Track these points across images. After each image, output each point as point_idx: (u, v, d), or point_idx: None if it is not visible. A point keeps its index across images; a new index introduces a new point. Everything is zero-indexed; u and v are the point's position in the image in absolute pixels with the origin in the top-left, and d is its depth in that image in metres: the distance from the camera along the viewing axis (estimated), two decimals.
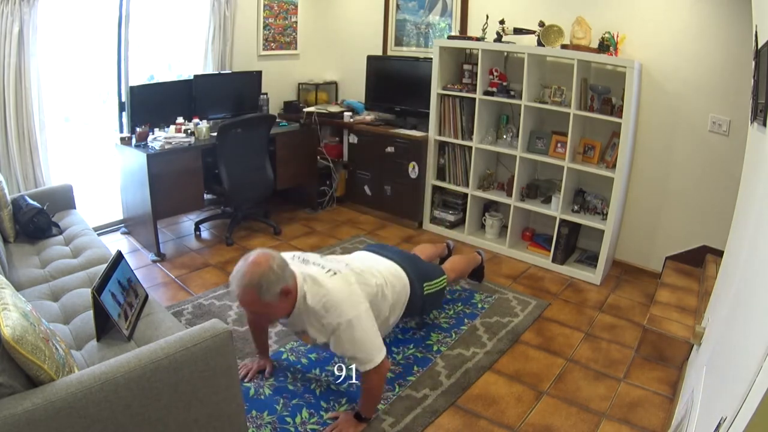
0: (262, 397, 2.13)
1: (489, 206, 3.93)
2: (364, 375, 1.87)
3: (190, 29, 4.00)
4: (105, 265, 1.87)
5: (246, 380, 2.19)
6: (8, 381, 1.19)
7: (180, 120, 3.51)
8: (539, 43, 3.26)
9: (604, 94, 3.16)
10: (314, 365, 2.36)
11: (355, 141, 4.28)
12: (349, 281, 1.92)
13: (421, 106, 3.93)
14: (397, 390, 2.20)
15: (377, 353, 1.84)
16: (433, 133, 3.85)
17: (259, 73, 4.12)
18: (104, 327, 1.76)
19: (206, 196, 3.78)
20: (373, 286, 2.05)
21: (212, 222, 3.98)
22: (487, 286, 3.16)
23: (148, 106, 3.47)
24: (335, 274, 1.92)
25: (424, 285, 2.37)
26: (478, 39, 3.57)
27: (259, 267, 1.68)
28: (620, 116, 3.01)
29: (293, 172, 4.06)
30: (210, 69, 3.99)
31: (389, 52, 4.39)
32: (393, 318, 2.21)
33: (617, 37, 3.04)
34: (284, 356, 2.42)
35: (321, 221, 4.13)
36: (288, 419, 2.02)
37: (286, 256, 1.92)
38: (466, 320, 2.75)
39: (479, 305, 2.91)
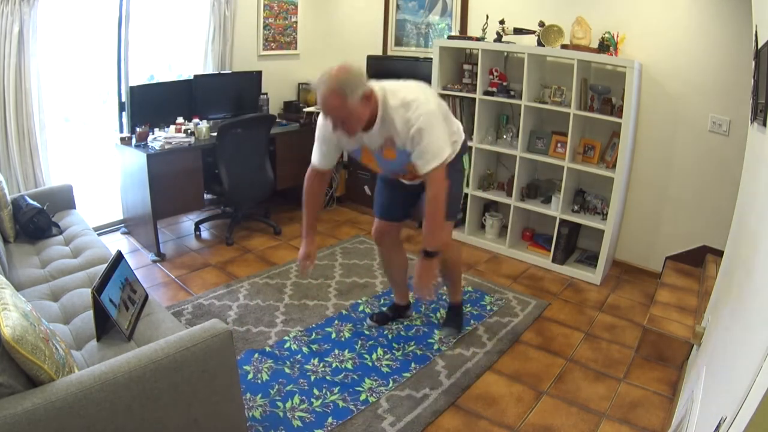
0: (259, 381, 2.20)
1: (489, 206, 3.93)
2: (430, 175, 1.92)
3: (190, 29, 4.00)
4: (105, 265, 1.87)
5: (303, 273, 2.33)
6: (8, 381, 1.19)
7: (180, 120, 3.51)
8: (539, 43, 3.26)
9: (604, 94, 3.16)
10: (314, 355, 2.41)
11: None
12: (422, 87, 2.00)
13: None
14: (390, 385, 2.22)
15: (445, 150, 1.92)
16: None
17: (259, 73, 4.12)
18: (104, 327, 1.76)
19: (206, 196, 3.79)
20: (443, 105, 2.10)
21: (212, 222, 3.98)
22: (488, 287, 3.16)
23: (148, 106, 3.47)
24: (407, 82, 1.99)
25: (462, 157, 2.30)
26: (478, 39, 3.57)
27: (342, 72, 1.78)
28: (620, 116, 3.01)
29: (293, 172, 4.05)
30: (210, 69, 3.99)
31: (389, 52, 4.39)
32: (451, 146, 2.13)
33: (617, 37, 3.04)
34: (287, 345, 2.47)
35: (321, 221, 4.13)
36: (279, 403, 2.08)
37: None
38: (472, 321, 2.75)
39: (488, 307, 2.91)
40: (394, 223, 2.48)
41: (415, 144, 1.89)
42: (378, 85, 1.92)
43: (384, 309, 2.77)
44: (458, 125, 2.26)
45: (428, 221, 2.00)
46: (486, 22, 3.55)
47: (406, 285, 2.69)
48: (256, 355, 2.37)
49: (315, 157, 2.20)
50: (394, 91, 1.92)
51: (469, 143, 3.65)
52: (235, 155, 3.47)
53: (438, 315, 2.80)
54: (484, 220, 3.86)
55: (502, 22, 3.43)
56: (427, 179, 1.96)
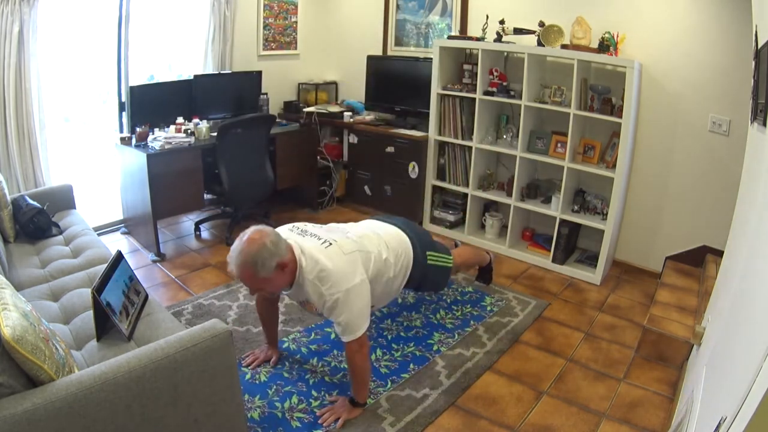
0: (257, 382, 2.21)
1: (489, 206, 3.93)
2: (347, 348, 1.94)
3: (190, 29, 4.00)
4: (105, 265, 1.87)
5: (250, 367, 2.28)
6: (8, 381, 1.19)
7: (180, 120, 3.51)
8: (539, 43, 3.26)
9: (604, 94, 3.16)
10: (312, 355, 2.41)
11: (355, 141, 4.28)
12: (344, 251, 1.95)
13: (421, 106, 3.93)
14: (389, 385, 2.22)
15: (359, 328, 1.90)
16: (433, 133, 3.85)
17: (259, 73, 4.12)
18: (104, 327, 1.76)
19: (206, 196, 3.78)
20: (373, 251, 2.09)
21: (212, 222, 3.98)
22: (489, 287, 3.16)
23: (148, 106, 3.47)
24: (330, 244, 1.96)
25: (428, 254, 2.39)
26: (478, 39, 3.57)
27: (253, 244, 1.79)
28: (620, 116, 3.01)
29: (293, 172, 4.06)
30: (210, 69, 3.99)
31: (389, 52, 4.39)
32: (397, 283, 2.25)
33: (617, 37, 3.04)
34: (285, 345, 2.48)
35: (321, 221, 4.09)
36: (277, 404, 2.08)
37: (284, 228, 2.06)
38: (472, 322, 2.75)
39: (488, 308, 2.90)
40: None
41: (331, 315, 1.91)
42: (299, 247, 1.91)
43: None
44: (405, 255, 2.26)
45: (354, 381, 2.02)
46: (486, 22, 3.55)
47: None
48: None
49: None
50: (314, 258, 1.88)
51: (470, 143, 3.65)
52: (235, 155, 3.47)
53: (438, 316, 2.80)
54: (484, 220, 3.86)
55: (502, 22, 3.43)
56: (347, 350, 1.96)
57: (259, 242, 1.79)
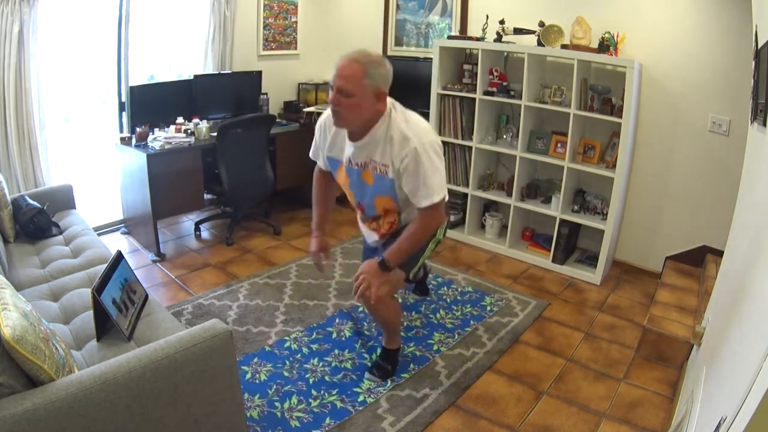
0: (257, 381, 2.21)
1: (489, 206, 3.93)
2: (420, 213, 1.82)
3: (190, 29, 4.00)
4: (105, 265, 1.87)
5: (322, 267, 2.26)
6: (8, 381, 1.19)
7: (180, 120, 3.51)
8: (539, 43, 3.26)
9: (604, 94, 3.16)
10: (313, 355, 2.41)
11: None
12: (433, 131, 1.90)
13: (421, 106, 3.92)
14: (388, 385, 2.22)
15: (439, 191, 1.77)
16: None
17: (259, 73, 4.12)
18: (104, 327, 1.76)
19: (206, 196, 3.78)
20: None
21: (212, 222, 3.98)
22: (488, 287, 3.16)
23: (148, 106, 3.47)
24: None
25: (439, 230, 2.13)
26: (478, 39, 3.57)
27: (377, 57, 1.74)
28: (620, 116, 3.01)
29: (293, 172, 4.06)
30: (210, 69, 3.99)
31: (389, 52, 4.39)
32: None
33: (617, 37, 3.04)
34: (287, 344, 2.48)
35: None
36: (277, 404, 2.08)
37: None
38: (472, 322, 2.75)
39: (488, 308, 2.90)
40: None
41: (408, 174, 1.75)
42: (392, 102, 1.83)
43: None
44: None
45: (399, 241, 1.86)
46: (486, 22, 3.55)
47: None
48: (255, 359, 2.36)
49: (317, 159, 2.21)
50: (406, 114, 1.84)
51: (470, 143, 3.65)
52: (235, 155, 3.47)
53: (438, 316, 2.80)
54: (484, 220, 3.86)
55: (502, 22, 3.43)
56: (415, 216, 1.84)
57: (383, 62, 1.75)
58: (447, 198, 1.90)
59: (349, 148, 1.91)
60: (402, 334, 2.61)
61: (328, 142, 2.01)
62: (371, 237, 2.19)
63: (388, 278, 1.92)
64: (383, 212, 2.04)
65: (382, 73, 1.73)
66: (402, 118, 1.80)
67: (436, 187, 1.76)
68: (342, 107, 1.75)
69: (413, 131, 1.76)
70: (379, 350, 2.34)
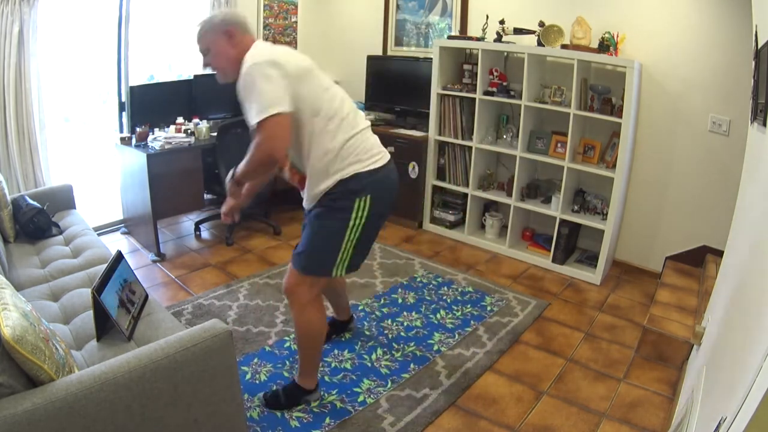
0: (257, 381, 2.21)
1: (489, 206, 3.93)
2: (255, 136, 1.68)
3: (190, 29, 3.99)
4: (105, 265, 1.87)
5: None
6: (8, 381, 1.19)
7: (180, 120, 3.51)
8: (539, 43, 3.26)
9: (604, 94, 3.16)
10: None
11: None
12: (286, 50, 1.83)
13: (421, 106, 3.94)
14: (389, 385, 2.22)
15: (259, 112, 1.62)
16: (433, 133, 3.85)
17: None
18: (104, 327, 1.76)
19: (206, 196, 3.78)
20: (326, 90, 1.85)
21: (212, 222, 3.98)
22: (488, 287, 3.16)
23: (148, 106, 3.47)
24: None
25: (365, 198, 1.78)
26: (478, 39, 3.57)
27: (218, 12, 1.71)
28: (620, 116, 3.01)
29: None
30: (210, 69, 3.98)
31: (389, 52, 4.39)
32: (324, 152, 1.77)
33: (617, 37, 3.04)
34: (287, 344, 2.47)
35: None
36: None
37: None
38: (472, 322, 2.75)
39: (488, 308, 2.90)
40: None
41: (244, 99, 1.69)
42: (258, 41, 1.82)
43: None
44: (364, 144, 1.79)
45: (242, 165, 1.83)
46: (486, 22, 3.55)
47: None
48: (256, 360, 2.36)
49: None
50: (259, 45, 1.80)
51: (470, 143, 3.65)
52: (235, 155, 3.45)
53: (438, 316, 2.80)
54: (484, 220, 3.86)
55: (502, 22, 3.43)
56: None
57: (220, 11, 1.76)
58: (366, 158, 1.76)
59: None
60: (402, 333, 2.61)
61: None
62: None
63: (236, 196, 1.89)
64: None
65: (219, 18, 1.81)
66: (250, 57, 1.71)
67: (255, 107, 1.64)
68: (211, 65, 1.86)
69: (249, 58, 1.70)
70: (289, 383, 2.07)
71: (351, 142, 1.78)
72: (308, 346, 1.96)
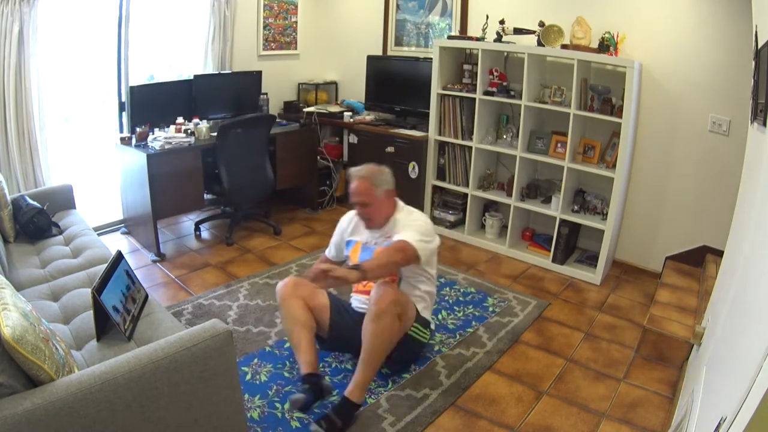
0: (257, 382, 2.21)
1: (489, 206, 3.93)
2: (393, 245, 2.06)
3: (190, 29, 4.00)
4: (105, 265, 1.87)
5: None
6: (8, 381, 1.19)
7: (180, 120, 3.51)
8: (539, 43, 3.26)
9: (604, 94, 3.16)
10: None
11: (355, 141, 4.28)
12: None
13: (421, 106, 3.93)
14: (389, 386, 2.22)
15: (411, 238, 2.05)
16: (433, 133, 3.85)
17: (259, 73, 4.12)
18: (104, 327, 1.76)
19: (206, 196, 3.78)
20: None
21: (212, 222, 3.98)
22: (488, 287, 3.16)
23: (148, 106, 3.47)
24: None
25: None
26: (478, 39, 3.57)
27: (377, 167, 2.24)
28: (620, 116, 3.01)
29: (293, 172, 4.06)
30: (210, 69, 3.99)
31: (389, 52, 4.39)
32: (420, 297, 2.31)
33: (617, 37, 3.04)
34: (287, 345, 2.46)
35: (321, 221, 4.13)
36: (277, 405, 2.08)
37: None
38: (473, 323, 2.75)
39: (490, 309, 2.90)
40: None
41: (402, 230, 2.13)
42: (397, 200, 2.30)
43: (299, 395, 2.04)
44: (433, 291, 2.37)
45: (374, 257, 2.12)
46: (486, 22, 3.55)
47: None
48: (256, 360, 2.36)
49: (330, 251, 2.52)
50: (408, 208, 2.31)
51: (470, 143, 3.65)
52: (235, 155, 3.47)
53: (440, 316, 2.79)
54: (484, 220, 3.86)
55: (502, 22, 3.43)
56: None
57: (382, 169, 2.24)
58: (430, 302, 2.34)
59: (367, 234, 2.31)
60: None
61: (350, 230, 2.40)
62: (357, 299, 2.34)
63: (354, 274, 1.98)
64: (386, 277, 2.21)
65: (385, 179, 2.21)
66: (406, 209, 2.31)
67: (410, 235, 2.06)
68: (368, 215, 2.23)
69: (413, 215, 2.27)
70: (338, 400, 1.99)
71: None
72: (380, 360, 2.02)
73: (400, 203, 2.31)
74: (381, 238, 2.26)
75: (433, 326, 2.46)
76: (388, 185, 2.21)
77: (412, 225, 2.15)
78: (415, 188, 3.99)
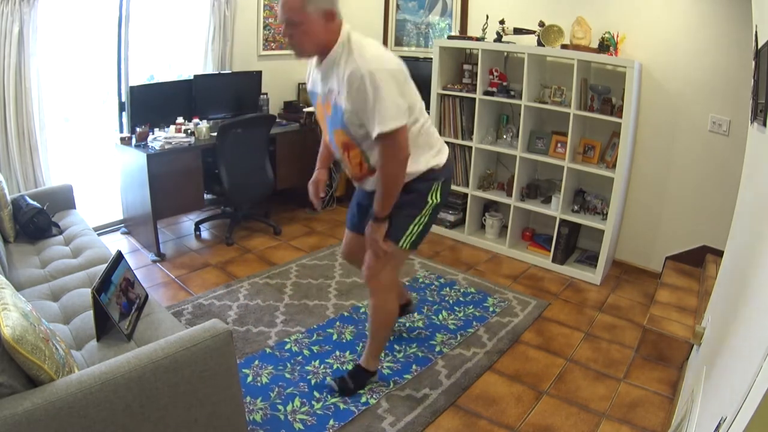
0: (259, 384, 2.19)
1: (489, 206, 3.93)
2: (381, 149, 1.71)
3: (190, 29, 4.00)
4: (105, 265, 1.87)
5: (315, 204, 2.20)
6: (8, 381, 1.19)
7: (180, 120, 3.51)
8: (539, 43, 3.26)
9: (604, 94, 3.16)
10: (315, 357, 2.41)
11: None
12: (395, 58, 1.78)
13: None
14: (391, 386, 2.22)
15: (392, 119, 1.65)
16: None
17: (259, 73, 4.12)
18: (104, 327, 1.76)
19: (206, 196, 3.78)
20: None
21: (212, 222, 3.98)
22: (488, 287, 3.16)
23: (148, 106, 3.47)
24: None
25: (440, 186, 1.98)
26: (478, 39, 3.57)
27: None
28: (620, 116, 3.01)
29: (293, 172, 4.06)
30: (210, 69, 3.99)
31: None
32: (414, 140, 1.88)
33: (617, 37, 3.04)
34: (287, 346, 2.47)
35: (321, 221, 4.13)
36: (279, 407, 2.07)
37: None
38: (474, 323, 2.75)
39: (491, 309, 2.90)
40: (360, 235, 2.14)
41: (360, 101, 1.65)
42: (350, 29, 1.76)
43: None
44: (440, 143, 1.99)
45: (378, 195, 1.80)
46: (486, 22, 3.55)
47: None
48: (256, 362, 2.36)
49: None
50: (364, 41, 1.73)
51: (470, 143, 3.65)
52: (235, 155, 3.47)
53: (440, 317, 2.80)
54: (484, 220, 3.86)
55: (502, 22, 3.43)
56: (378, 151, 1.72)
57: None
58: (442, 154, 1.96)
59: (317, 78, 1.85)
60: (404, 334, 2.61)
61: (308, 75, 1.96)
62: (353, 175, 2.03)
63: (383, 232, 1.85)
64: (343, 148, 1.89)
65: None
66: (358, 46, 1.71)
67: (387, 114, 1.64)
68: (294, 38, 1.72)
69: (365, 57, 1.67)
70: (352, 365, 2.21)
71: (433, 137, 1.97)
72: (385, 329, 2.12)
73: (348, 33, 1.76)
74: (326, 85, 1.79)
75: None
76: (329, 3, 1.68)
77: (372, 91, 1.63)
78: None
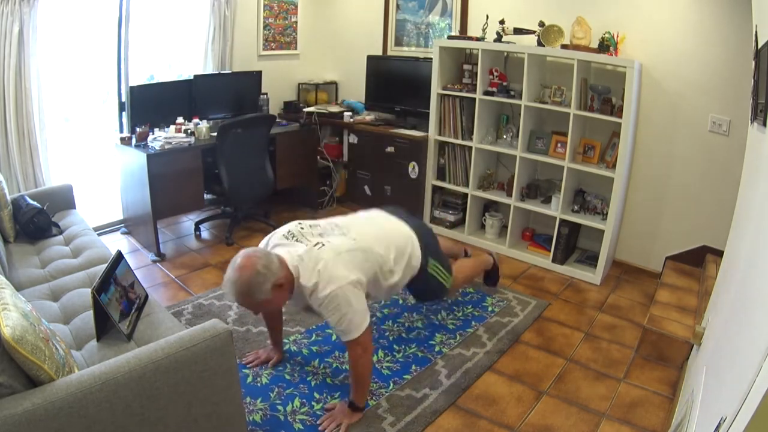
0: (259, 384, 2.19)
1: (489, 206, 3.93)
2: (349, 351, 1.95)
3: (190, 29, 4.00)
4: (105, 265, 1.87)
5: (250, 365, 2.30)
6: (8, 381, 1.19)
7: (180, 120, 3.51)
8: (539, 43, 3.26)
9: (604, 94, 3.16)
10: (314, 357, 2.40)
11: (355, 141, 4.28)
12: (338, 250, 1.93)
13: (421, 106, 3.93)
14: (391, 387, 2.22)
15: (355, 329, 1.87)
16: (433, 133, 3.85)
17: (259, 73, 4.12)
18: (104, 327, 1.76)
19: (206, 196, 3.78)
20: (373, 248, 2.06)
21: (212, 222, 3.98)
22: (489, 287, 3.15)
23: (148, 106, 3.47)
24: (323, 245, 1.94)
25: (430, 260, 2.33)
26: (478, 39, 3.57)
27: (245, 272, 1.74)
28: (620, 116, 3.01)
29: (293, 172, 4.06)
30: (210, 69, 3.99)
31: (389, 52, 4.39)
32: (400, 280, 2.19)
33: (617, 37, 3.04)
34: (287, 347, 2.47)
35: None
36: (279, 407, 2.07)
37: (279, 233, 2.03)
38: (473, 323, 2.75)
39: (489, 308, 2.90)
40: None
41: (327, 316, 1.88)
42: (293, 257, 1.87)
43: None
44: (411, 254, 2.22)
45: (352, 382, 2.02)
46: (486, 22, 3.55)
47: None
48: None
49: None
50: (308, 264, 1.86)
51: (470, 143, 3.65)
52: (235, 155, 3.47)
53: (439, 317, 2.80)
54: (484, 220, 3.86)
55: (502, 22, 3.43)
56: (348, 353, 1.98)
57: (251, 269, 1.73)
58: (414, 254, 2.23)
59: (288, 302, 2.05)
60: (403, 335, 2.61)
61: None
62: None
63: (357, 414, 2.02)
64: None
65: (262, 280, 1.74)
66: (307, 278, 1.85)
67: (351, 327, 1.87)
68: (268, 311, 2.15)
69: (322, 283, 1.84)
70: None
71: (389, 271, 2.15)
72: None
73: (297, 272, 1.86)
74: (299, 304, 2.06)
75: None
76: (272, 277, 1.76)
77: (335, 311, 1.84)
78: (415, 188, 4.00)
